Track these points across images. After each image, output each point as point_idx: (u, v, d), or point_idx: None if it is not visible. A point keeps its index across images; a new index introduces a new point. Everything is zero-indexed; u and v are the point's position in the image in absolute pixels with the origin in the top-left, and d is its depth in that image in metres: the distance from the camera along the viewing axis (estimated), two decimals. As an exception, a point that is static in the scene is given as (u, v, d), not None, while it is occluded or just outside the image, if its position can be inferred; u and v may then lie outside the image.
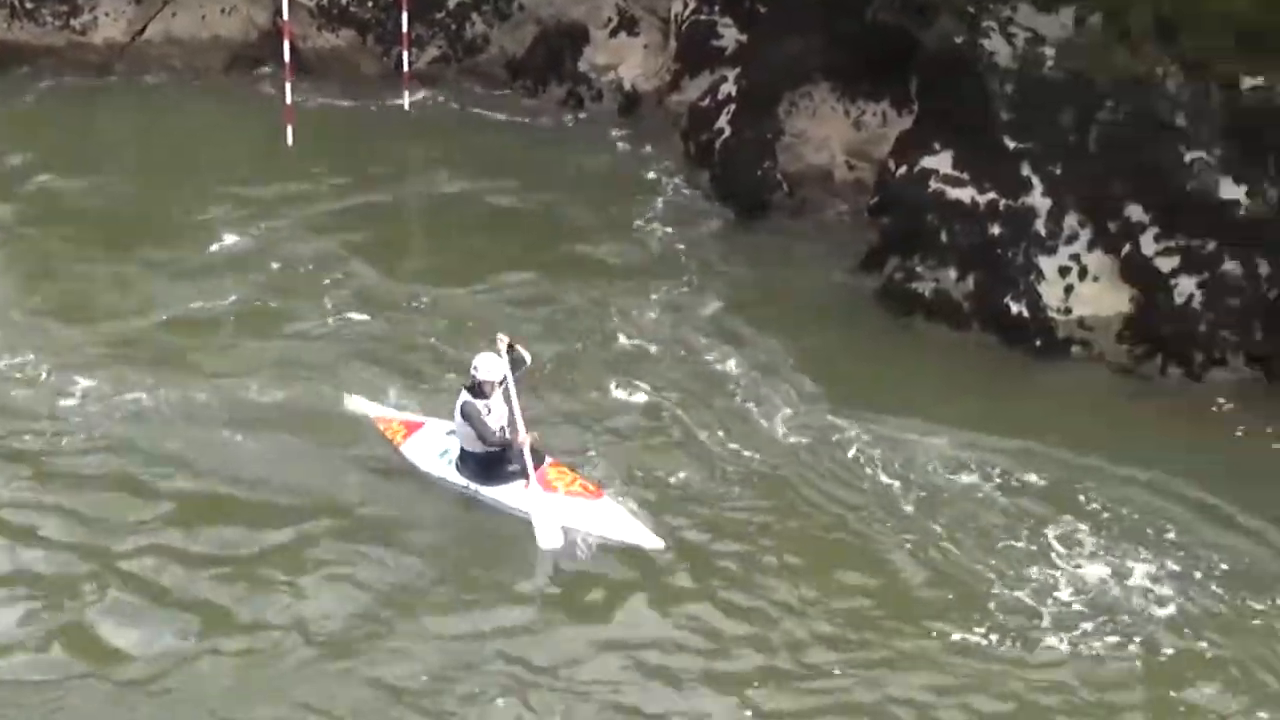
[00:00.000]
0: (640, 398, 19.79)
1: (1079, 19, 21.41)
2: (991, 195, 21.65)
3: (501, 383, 17.36)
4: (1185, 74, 20.57)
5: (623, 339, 21.27)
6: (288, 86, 26.51)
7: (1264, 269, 20.07)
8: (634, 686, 15.36)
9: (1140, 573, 16.95)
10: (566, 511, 17.04)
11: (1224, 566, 17.13)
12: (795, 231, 24.29)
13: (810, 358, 20.81)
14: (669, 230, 24.32)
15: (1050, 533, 17.52)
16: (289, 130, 26.12)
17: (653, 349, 21.02)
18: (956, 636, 16.06)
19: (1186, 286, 20.46)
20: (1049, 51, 21.43)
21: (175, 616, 15.99)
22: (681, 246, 23.86)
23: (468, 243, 23.94)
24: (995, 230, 21.55)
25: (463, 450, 17.62)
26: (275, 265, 22.79)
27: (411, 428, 18.35)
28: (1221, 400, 20.19)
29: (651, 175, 26.06)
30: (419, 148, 27.05)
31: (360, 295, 22.05)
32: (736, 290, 22.64)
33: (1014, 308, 21.23)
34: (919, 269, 21.95)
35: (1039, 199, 21.36)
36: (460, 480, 17.68)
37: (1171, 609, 16.48)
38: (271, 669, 15.43)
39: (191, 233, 23.58)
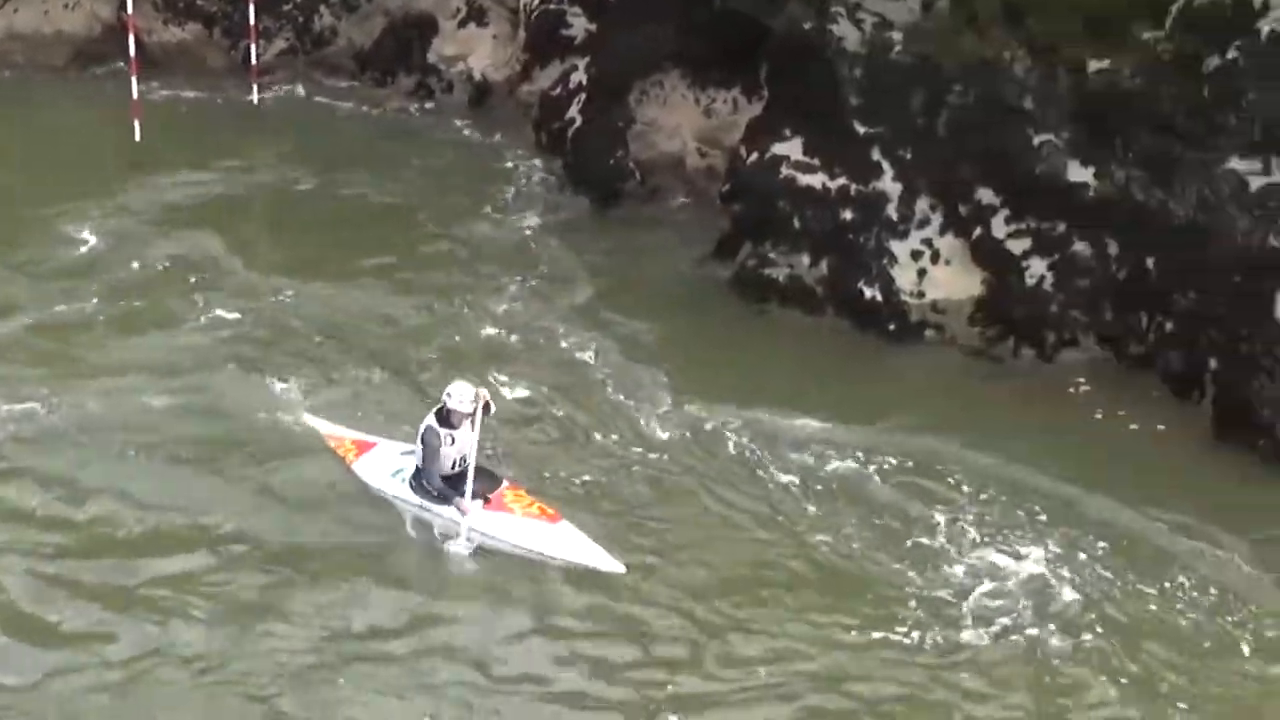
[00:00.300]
0: (521, 392, 19.47)
1: (926, 4, 21.31)
2: (842, 181, 21.48)
3: (469, 417, 16.75)
4: (1032, 58, 20.51)
5: (488, 329, 20.94)
6: (134, 81, 25.89)
7: (1113, 250, 20.04)
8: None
9: (1030, 558, 16.88)
10: (522, 534, 16.61)
11: (1103, 545, 17.13)
12: (649, 219, 24.07)
13: (671, 347, 20.63)
14: (523, 220, 24.07)
15: (936, 520, 17.43)
16: (137, 126, 25.55)
17: (514, 339, 20.73)
18: (861, 630, 15.98)
19: (1037, 268, 20.42)
20: (897, 36, 21.30)
21: (54, 645, 15.39)
22: (536, 236, 23.64)
23: (324, 236, 23.45)
24: (847, 215, 21.40)
25: (417, 469, 17.05)
26: (135, 264, 22.10)
27: (363, 447, 17.85)
28: (1076, 381, 20.17)
29: (504, 165, 25.79)
30: (269, 141, 26.47)
31: (226, 292, 21.44)
32: (594, 279, 22.38)
33: (867, 292, 21.10)
34: (772, 255, 21.75)
35: (890, 184, 21.24)
36: (413, 499, 17.12)
37: (1068, 593, 16.42)
38: (152, 695, 14.91)
39: (43, 232, 22.81)
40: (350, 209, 24.17)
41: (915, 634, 15.85)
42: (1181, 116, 19.45)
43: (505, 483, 17.11)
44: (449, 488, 16.79)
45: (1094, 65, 20.16)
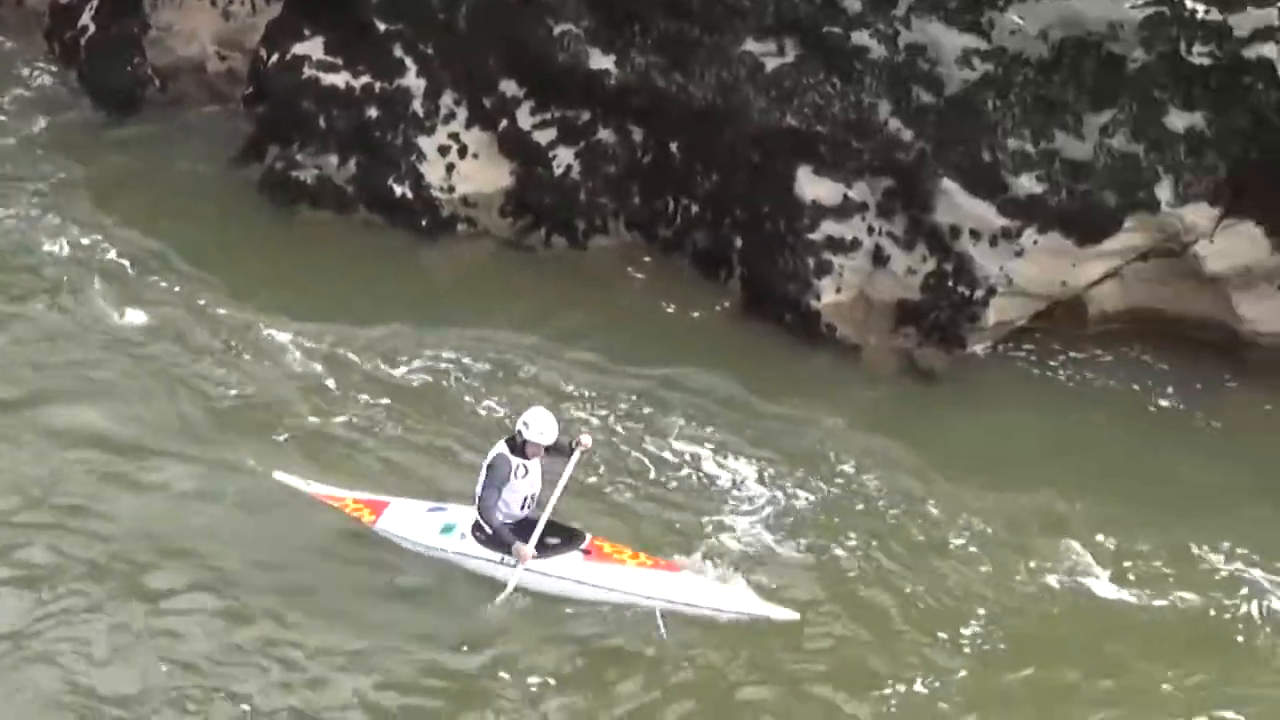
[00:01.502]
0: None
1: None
2: (366, 79, 20.35)
3: (548, 451, 14.57)
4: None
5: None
6: None
7: (637, 136, 19.48)
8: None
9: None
10: (666, 589, 14.44)
11: (644, 412, 17.16)
12: (171, 127, 22.34)
13: (200, 255, 19.40)
14: (29, 130, 21.95)
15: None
16: None
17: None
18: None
19: (564, 158, 19.71)
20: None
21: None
22: (45, 147, 21.64)
23: None
24: (373, 114, 20.27)
25: (479, 523, 14.62)
26: None
27: (377, 506, 15.30)
28: (608, 266, 19.62)
29: (16, 73, 23.35)
30: None
31: None
32: (106, 189, 20.71)
33: (397, 189, 20.07)
34: (299, 157, 20.50)
35: (413, 80, 20.18)
36: (488, 554, 14.60)
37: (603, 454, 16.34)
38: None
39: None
40: None
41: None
42: (697, 1, 18.82)
43: (588, 537, 14.80)
44: (513, 532, 14.47)
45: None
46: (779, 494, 16.02)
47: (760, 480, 16.21)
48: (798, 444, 16.76)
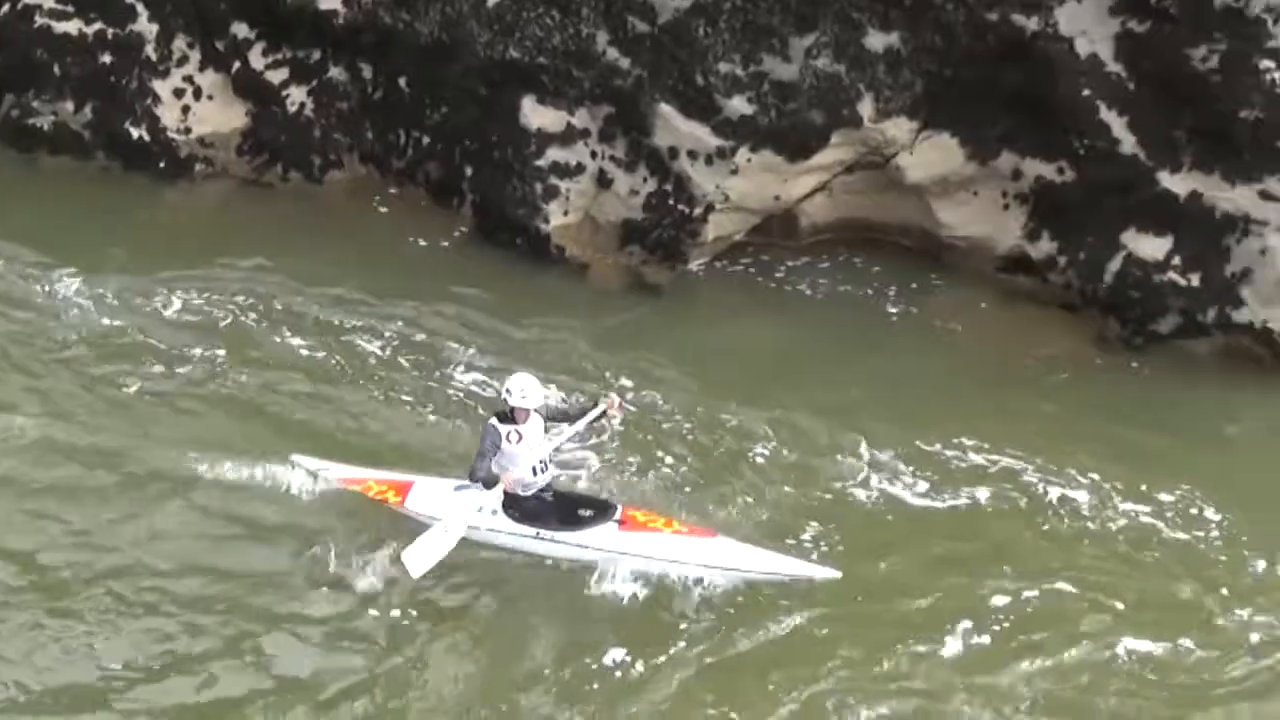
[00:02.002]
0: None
1: None
2: (99, 26, 20.37)
3: (540, 413, 14.34)
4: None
5: None
6: None
7: (367, 73, 19.79)
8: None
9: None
10: (703, 554, 14.09)
11: (394, 332, 17.52)
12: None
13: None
14: None
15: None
16: None
17: None
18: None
19: (297, 96, 20.00)
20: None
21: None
22: None
23: None
24: (107, 60, 20.29)
25: (511, 497, 14.29)
26: None
27: (401, 487, 14.88)
28: (344, 199, 19.98)
29: None
30: None
31: None
32: None
33: (134, 133, 20.17)
34: (35, 104, 20.44)
35: (145, 25, 20.30)
36: (522, 529, 14.28)
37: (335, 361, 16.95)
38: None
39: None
40: None
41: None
42: (419, -60, 19.26)
43: (620, 508, 14.45)
44: (553, 509, 14.31)
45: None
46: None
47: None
48: (564, 362, 17.20)
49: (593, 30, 18.82)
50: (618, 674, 13.44)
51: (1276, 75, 17.71)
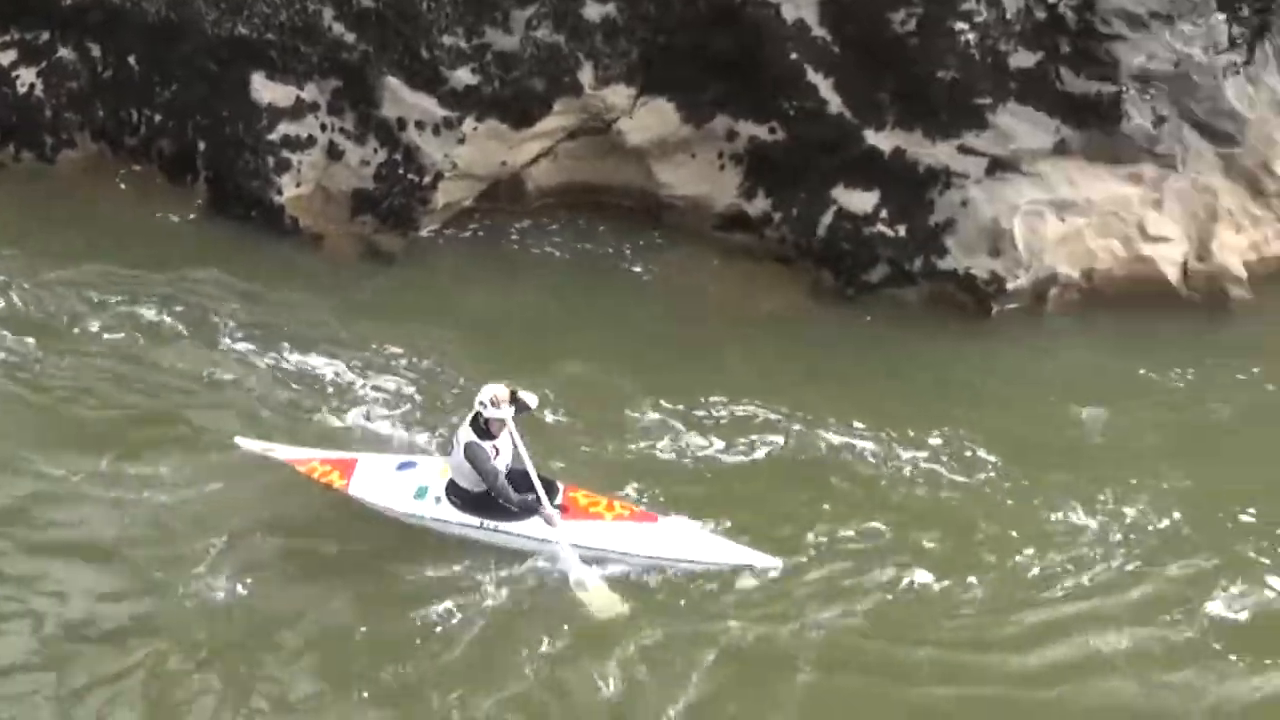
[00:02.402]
0: None
1: None
2: None
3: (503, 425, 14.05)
4: None
5: None
6: None
7: (96, 52, 19.79)
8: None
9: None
10: (646, 543, 13.97)
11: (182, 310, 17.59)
12: None
13: None
14: None
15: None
16: None
17: None
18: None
19: (27, 77, 19.93)
20: None
21: None
22: None
23: None
24: None
25: (455, 486, 14.14)
26: None
27: (345, 466, 14.52)
28: (80, 177, 19.96)
29: None
30: None
31: None
32: None
33: None
34: None
35: None
36: (466, 518, 14.08)
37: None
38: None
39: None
40: None
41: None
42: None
43: (562, 487, 14.35)
44: (475, 490, 14.10)
45: None
46: (366, 381, 16.69)
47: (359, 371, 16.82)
48: (319, 333, 17.43)
49: (319, 6, 19.12)
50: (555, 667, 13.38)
51: (970, 37, 18.63)
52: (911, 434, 16.30)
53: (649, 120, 19.27)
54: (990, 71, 18.89)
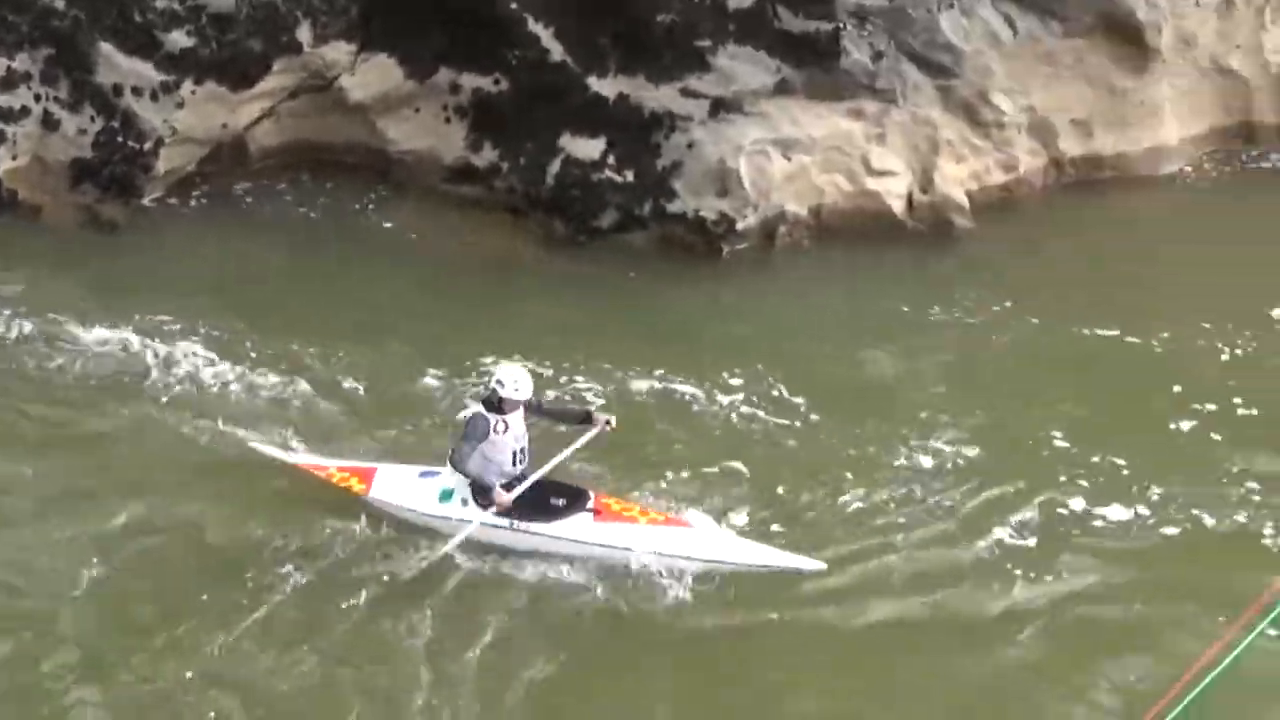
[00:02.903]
0: None
1: None
2: None
3: (526, 407, 13.33)
4: None
5: None
6: None
7: None
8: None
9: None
10: (680, 545, 13.11)
11: None
12: None
13: None
14: None
15: None
16: None
17: None
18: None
19: None
20: None
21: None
22: None
23: None
24: None
25: (476, 484, 13.27)
26: None
27: (365, 474, 13.76)
28: None
29: None
30: None
31: None
32: None
33: None
34: None
35: None
36: (495, 519, 13.20)
37: None
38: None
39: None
40: None
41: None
42: None
43: (593, 496, 13.52)
44: (528, 499, 13.24)
45: None
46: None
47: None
48: (58, 304, 16.76)
49: (26, -26, 18.60)
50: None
51: (686, -21, 18.66)
52: (715, 376, 15.99)
53: (371, 76, 19.08)
54: (710, 13, 18.97)
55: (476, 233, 18.87)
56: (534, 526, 13.24)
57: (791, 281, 18.54)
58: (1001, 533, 13.75)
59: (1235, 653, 11.13)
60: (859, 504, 14.16)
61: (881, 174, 19.20)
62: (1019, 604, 12.97)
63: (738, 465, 14.50)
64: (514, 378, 13.20)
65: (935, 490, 14.33)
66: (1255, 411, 15.64)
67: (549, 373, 15.91)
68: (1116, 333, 17.06)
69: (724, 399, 15.74)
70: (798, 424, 15.39)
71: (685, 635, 12.66)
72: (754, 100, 18.92)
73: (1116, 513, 14.08)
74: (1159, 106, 20.40)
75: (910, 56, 19.40)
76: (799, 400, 15.72)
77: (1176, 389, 16.00)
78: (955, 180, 19.38)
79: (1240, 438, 15.18)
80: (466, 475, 13.20)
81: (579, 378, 15.98)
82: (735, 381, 15.98)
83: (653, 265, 18.60)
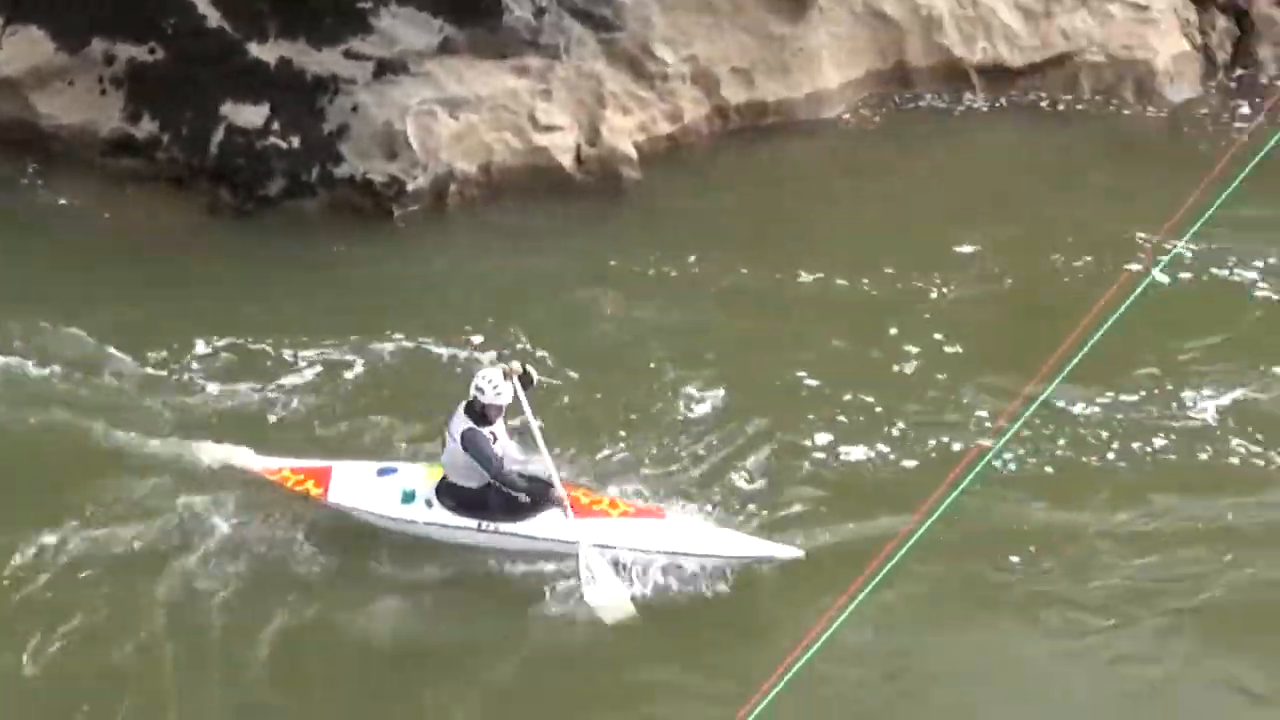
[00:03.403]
0: None
1: None
2: None
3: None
4: None
5: None
6: None
7: None
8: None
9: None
10: (661, 540, 12.58)
11: None
12: None
13: None
14: None
15: None
16: None
17: None
18: None
19: None
20: None
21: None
22: None
23: None
24: None
25: (449, 485, 12.66)
26: None
27: (320, 475, 13.00)
28: None
29: None
30: None
31: None
32: None
33: None
34: None
35: None
36: (463, 521, 12.58)
37: None
38: None
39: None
40: None
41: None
42: None
43: (559, 486, 12.81)
44: (501, 499, 12.64)
45: None
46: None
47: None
48: None
49: None
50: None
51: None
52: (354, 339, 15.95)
53: (20, 49, 18.48)
54: (369, -25, 18.69)
55: (141, 206, 18.39)
56: (505, 526, 12.80)
57: (465, 241, 18.47)
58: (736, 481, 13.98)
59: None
60: (628, 455, 14.20)
61: (549, 129, 19.19)
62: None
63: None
64: (493, 382, 12.63)
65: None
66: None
67: (257, 347, 15.79)
68: (809, 277, 17.30)
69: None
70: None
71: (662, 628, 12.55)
72: (418, 60, 18.79)
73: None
74: (817, 53, 20.72)
75: (572, 11, 19.45)
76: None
77: (893, 331, 16.37)
78: (623, 132, 19.46)
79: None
80: (515, 488, 12.70)
81: (300, 350, 15.83)
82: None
83: (324, 231, 18.31)
